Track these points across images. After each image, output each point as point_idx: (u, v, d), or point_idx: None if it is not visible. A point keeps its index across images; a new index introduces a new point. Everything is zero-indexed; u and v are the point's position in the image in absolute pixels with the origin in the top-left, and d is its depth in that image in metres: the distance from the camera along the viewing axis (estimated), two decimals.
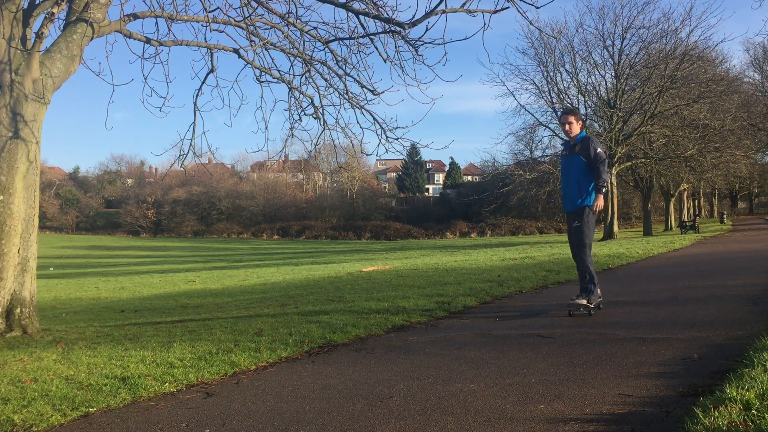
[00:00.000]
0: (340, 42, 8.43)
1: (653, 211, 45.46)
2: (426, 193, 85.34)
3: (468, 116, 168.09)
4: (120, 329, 6.80)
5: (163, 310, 9.67)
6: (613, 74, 34.11)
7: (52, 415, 3.50)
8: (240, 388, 4.03)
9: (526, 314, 6.47)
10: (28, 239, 6.55)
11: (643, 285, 8.77)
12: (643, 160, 34.37)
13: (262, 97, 9.87)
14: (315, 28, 8.29)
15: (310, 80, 8.67)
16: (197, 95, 8.28)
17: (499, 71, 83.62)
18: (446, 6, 6.50)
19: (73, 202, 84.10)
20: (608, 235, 33.58)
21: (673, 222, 44.60)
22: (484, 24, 6.60)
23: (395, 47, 7.88)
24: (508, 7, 6.41)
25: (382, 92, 8.44)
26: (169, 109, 16.99)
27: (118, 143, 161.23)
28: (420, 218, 72.03)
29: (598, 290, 6.26)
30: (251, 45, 7.90)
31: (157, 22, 7.57)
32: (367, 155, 13.08)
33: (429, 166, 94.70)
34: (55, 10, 6.57)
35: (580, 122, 6.44)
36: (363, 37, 7.91)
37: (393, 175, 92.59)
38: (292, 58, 8.55)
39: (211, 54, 8.08)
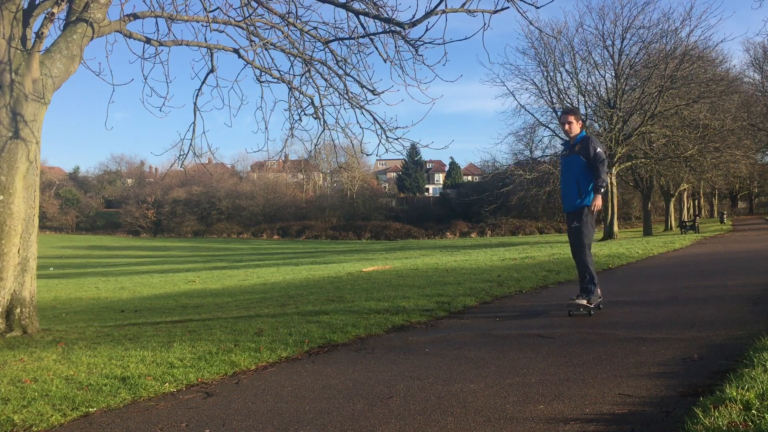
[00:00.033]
0: (340, 42, 8.43)
1: (653, 211, 45.47)
2: (426, 193, 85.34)
3: (468, 116, 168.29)
4: (120, 329, 6.80)
5: (163, 310, 9.67)
6: (613, 74, 34.11)
7: (52, 415, 3.50)
8: (240, 388, 4.03)
9: (526, 314, 6.47)
10: (28, 239, 6.55)
11: (643, 285, 8.77)
12: (643, 160, 34.37)
13: (262, 97, 9.89)
14: (315, 28, 8.30)
15: (310, 80, 8.68)
16: (197, 95, 8.29)
17: (499, 71, 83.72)
18: (446, 6, 6.50)
19: (73, 202, 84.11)
20: (608, 235, 33.60)
21: (673, 222, 44.60)
22: (484, 24, 6.61)
23: (395, 47, 7.89)
24: (508, 7, 6.42)
25: (382, 92, 8.45)
26: (169, 109, 16.99)
27: (118, 143, 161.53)
28: (420, 218, 72.04)
29: (598, 291, 6.25)
30: (251, 45, 7.90)
31: (157, 22, 7.58)
32: (367, 155, 13.08)
33: (429, 166, 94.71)
34: (55, 10, 6.57)
35: (580, 122, 6.43)
36: (363, 37, 7.92)
37: (393, 175, 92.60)
38: (292, 58, 8.56)
39: (211, 54, 8.09)
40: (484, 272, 11.85)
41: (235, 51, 7.96)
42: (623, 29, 33.21)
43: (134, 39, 7.34)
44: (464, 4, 6.46)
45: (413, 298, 8.00)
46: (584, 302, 6.07)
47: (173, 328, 6.63)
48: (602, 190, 6.13)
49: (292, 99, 8.82)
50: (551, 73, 34.65)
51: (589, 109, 35.64)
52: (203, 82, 8.27)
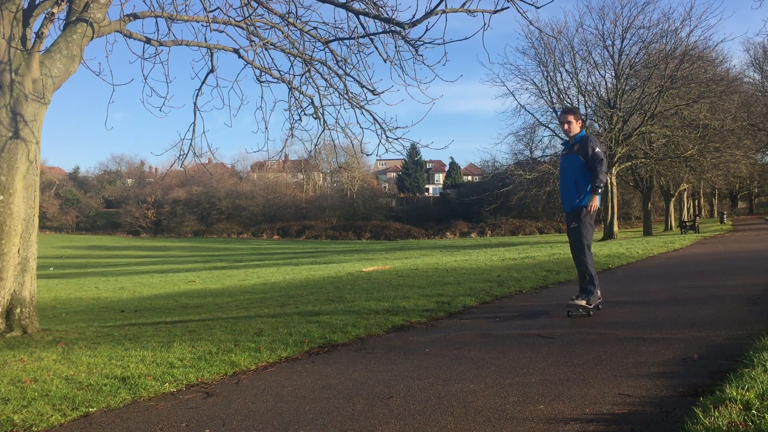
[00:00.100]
0: (340, 42, 8.43)
1: (653, 211, 45.47)
2: (426, 193, 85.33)
3: (468, 116, 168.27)
4: (120, 329, 6.80)
5: (163, 310, 9.67)
6: (613, 74, 34.10)
7: (52, 415, 3.50)
8: (240, 388, 4.03)
9: (526, 314, 6.47)
10: (28, 239, 6.55)
11: (643, 285, 8.77)
12: (643, 160, 34.37)
13: (262, 97, 9.90)
14: (315, 28, 8.30)
15: (310, 80, 8.68)
16: (197, 95, 8.29)
17: (499, 71, 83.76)
18: (446, 6, 6.50)
19: (73, 202, 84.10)
20: (608, 235, 33.60)
21: (673, 222, 44.60)
22: (484, 24, 6.61)
23: (395, 47, 7.89)
24: (508, 7, 6.42)
25: (382, 92, 8.45)
26: (169, 109, 17.01)
27: (118, 143, 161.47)
28: (420, 218, 72.04)
29: (598, 291, 6.22)
30: (251, 45, 7.90)
31: (157, 22, 7.58)
32: (367, 155, 13.08)
33: (429, 166, 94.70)
34: (55, 10, 6.57)
35: (580, 121, 6.42)
36: (363, 37, 7.92)
37: (393, 175, 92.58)
38: (292, 58, 8.56)
39: (211, 54, 8.09)
40: (484, 272, 11.85)
41: (235, 51, 7.96)
42: (623, 29, 33.23)
43: (134, 39, 7.35)
44: (464, 4, 6.46)
45: (413, 298, 8.00)
46: (583, 303, 6.06)
47: (173, 328, 6.63)
48: (599, 190, 6.10)
49: (292, 99, 8.83)
50: (551, 73, 34.68)
51: (589, 109, 35.65)
52: (203, 82, 8.29)
